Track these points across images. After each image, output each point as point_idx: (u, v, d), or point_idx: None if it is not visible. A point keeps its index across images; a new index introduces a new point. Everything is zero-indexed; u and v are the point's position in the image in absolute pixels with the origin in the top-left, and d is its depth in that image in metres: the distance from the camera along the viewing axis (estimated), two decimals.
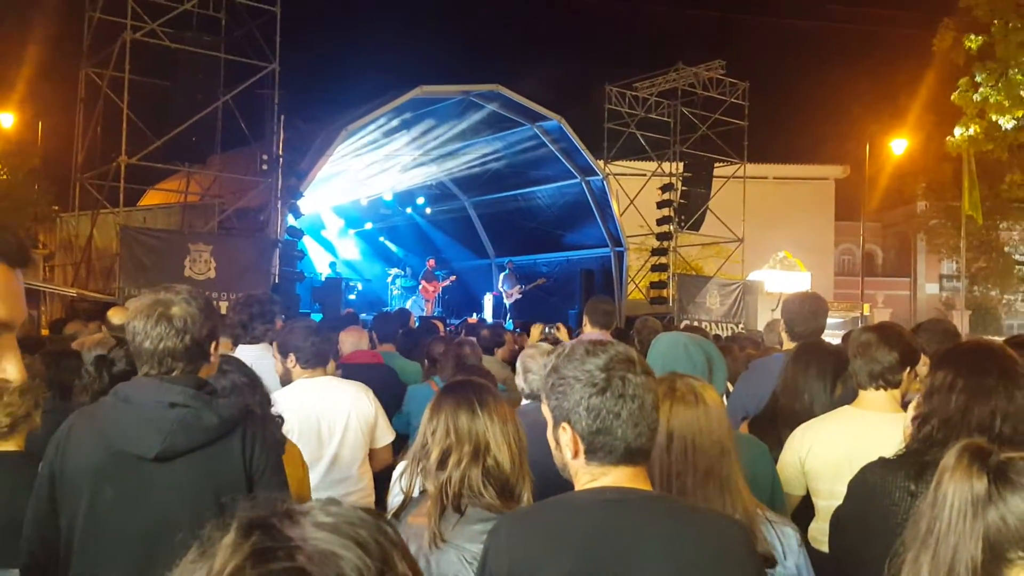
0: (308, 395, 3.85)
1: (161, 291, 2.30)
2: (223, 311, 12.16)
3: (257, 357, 3.94)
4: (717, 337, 12.39)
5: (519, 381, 3.89)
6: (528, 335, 11.18)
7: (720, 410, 2.16)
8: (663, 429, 2.03)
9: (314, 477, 3.62)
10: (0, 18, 22.35)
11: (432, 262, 19.89)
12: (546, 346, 4.08)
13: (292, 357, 3.95)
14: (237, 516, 0.79)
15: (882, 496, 2.15)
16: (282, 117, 14.50)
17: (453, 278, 20.20)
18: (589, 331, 5.56)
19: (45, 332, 7.70)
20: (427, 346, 5.99)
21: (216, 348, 2.33)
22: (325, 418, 3.84)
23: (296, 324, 4.03)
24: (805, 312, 4.14)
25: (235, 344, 4.33)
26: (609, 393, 1.68)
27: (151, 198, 18.09)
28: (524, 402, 3.81)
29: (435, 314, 19.31)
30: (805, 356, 3.36)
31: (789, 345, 4.16)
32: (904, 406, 2.79)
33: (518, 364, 3.92)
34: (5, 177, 21.67)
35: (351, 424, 3.88)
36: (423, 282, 19.45)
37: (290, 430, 3.64)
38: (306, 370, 3.93)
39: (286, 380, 3.96)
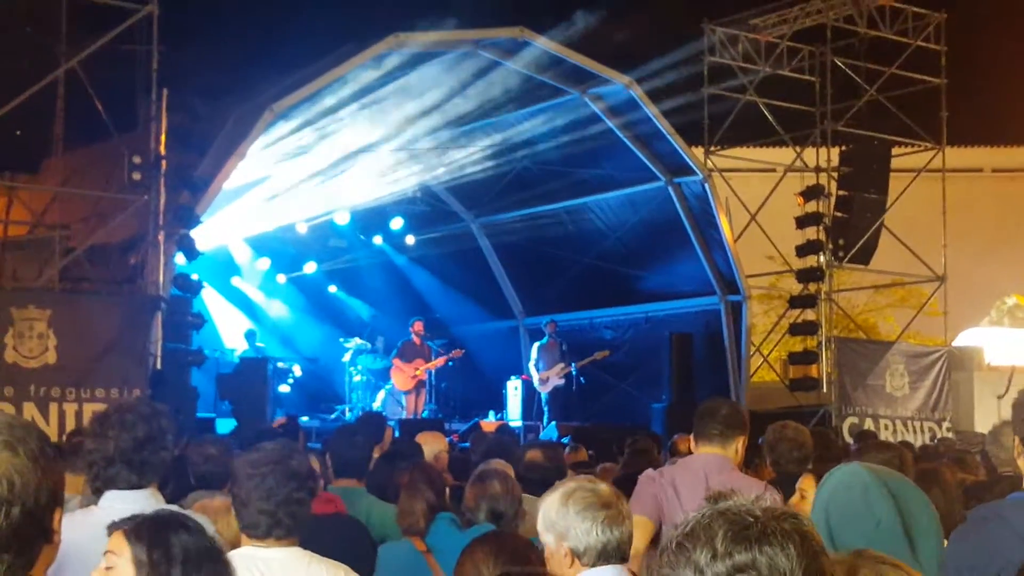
0: None
1: None
2: (82, 423, 12.11)
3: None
4: (907, 445, 12.27)
5: (573, 541, 3.89)
6: (582, 451, 11.04)
7: None
8: None
9: None
10: None
11: (420, 326, 19.87)
12: (591, 485, 4.07)
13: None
14: None
15: None
16: (165, 91, 14.64)
17: (457, 352, 20.11)
18: (703, 452, 5.53)
19: None
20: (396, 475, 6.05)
21: (60, 519, 2.32)
22: None
23: (251, 454, 4.22)
24: None
25: (99, 490, 4.35)
26: None
27: None
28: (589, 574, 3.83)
29: (426, 414, 19.27)
30: None
31: None
32: None
33: (554, 517, 3.92)
34: None
35: None
36: (397, 363, 19.40)
37: None
38: (261, 540, 4.10)
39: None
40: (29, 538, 2.28)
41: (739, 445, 5.61)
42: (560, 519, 3.90)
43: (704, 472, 5.35)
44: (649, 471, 5.78)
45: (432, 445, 8.04)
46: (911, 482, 3.06)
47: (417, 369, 19.41)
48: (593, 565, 3.84)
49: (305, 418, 17.61)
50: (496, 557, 3.70)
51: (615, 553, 3.83)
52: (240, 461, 4.24)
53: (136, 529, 3.10)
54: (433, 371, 20.03)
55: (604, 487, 3.99)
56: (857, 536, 2.61)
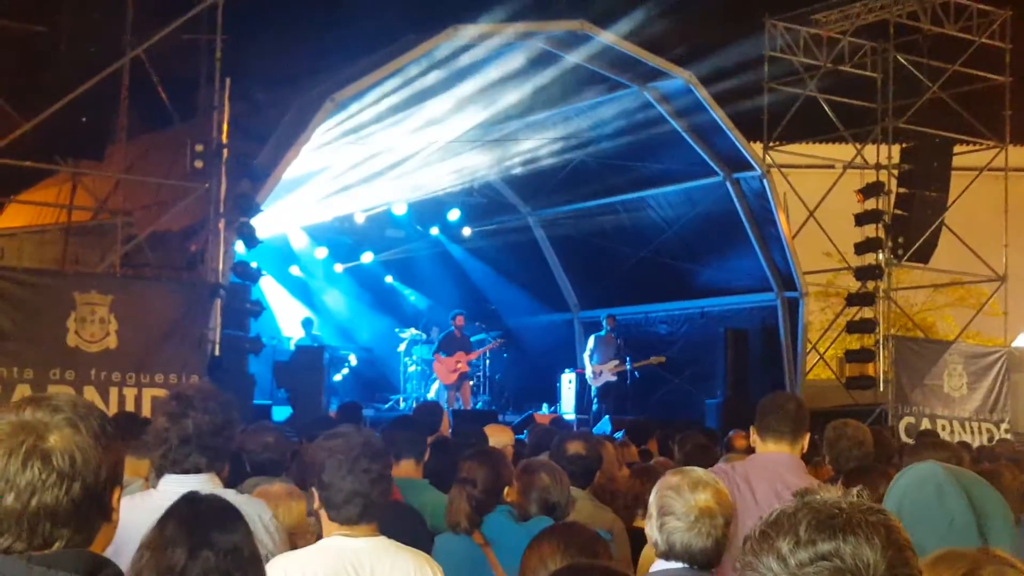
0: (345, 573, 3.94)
1: (26, 405, 2.29)
2: (141, 407, 12.21)
3: None
4: (964, 446, 12.11)
5: (650, 528, 3.95)
6: (634, 446, 10.95)
7: None
8: None
9: None
10: None
11: (461, 320, 19.86)
12: (698, 472, 4.08)
13: (316, 497, 4.10)
14: None
15: None
16: (228, 81, 14.73)
17: (498, 342, 20.15)
18: (771, 449, 5.44)
19: None
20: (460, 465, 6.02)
21: (119, 498, 2.35)
22: None
23: (332, 438, 4.21)
24: None
25: (162, 470, 4.43)
26: None
27: (12, 216, 18.47)
28: (658, 566, 3.87)
29: (479, 405, 19.28)
30: None
31: None
32: None
33: (652, 500, 3.96)
34: None
35: None
36: (438, 357, 19.40)
37: None
38: (353, 526, 4.08)
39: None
40: (89, 514, 2.31)
41: (805, 442, 5.56)
42: (652, 503, 3.93)
43: (779, 471, 5.28)
44: (720, 465, 5.76)
45: (498, 438, 7.84)
46: (986, 481, 3.00)
47: (458, 363, 19.41)
48: (663, 557, 3.86)
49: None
50: (564, 550, 3.64)
51: (683, 554, 3.81)
52: (322, 450, 4.19)
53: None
54: (487, 361, 20.05)
55: (703, 498, 3.85)
56: (930, 533, 2.56)
